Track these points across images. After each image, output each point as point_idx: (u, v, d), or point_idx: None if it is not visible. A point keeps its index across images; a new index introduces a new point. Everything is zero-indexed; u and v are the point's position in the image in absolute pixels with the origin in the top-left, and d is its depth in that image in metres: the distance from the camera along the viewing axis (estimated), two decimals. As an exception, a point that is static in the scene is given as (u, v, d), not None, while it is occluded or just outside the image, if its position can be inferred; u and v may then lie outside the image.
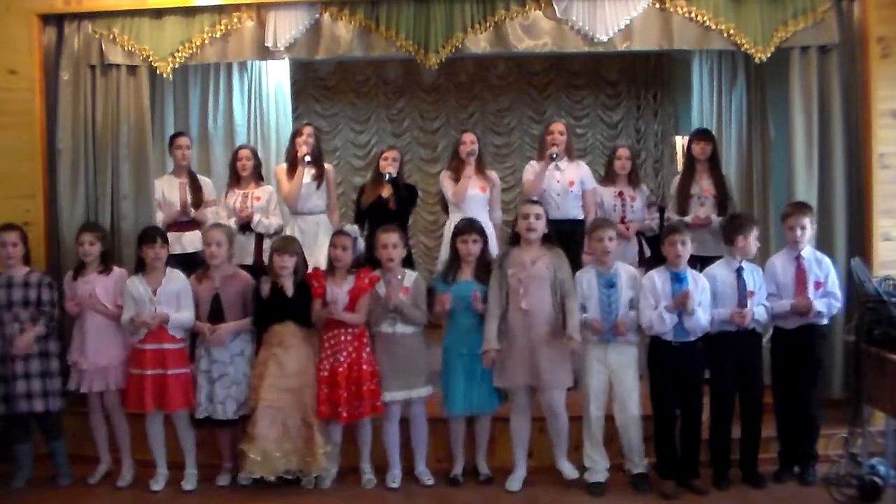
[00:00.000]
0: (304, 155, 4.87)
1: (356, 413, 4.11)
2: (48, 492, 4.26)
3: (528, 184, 4.97)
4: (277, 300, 4.12)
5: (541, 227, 4.10)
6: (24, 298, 4.22)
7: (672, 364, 4.02)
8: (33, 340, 4.18)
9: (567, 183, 4.93)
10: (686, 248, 4.04)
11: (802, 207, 4.24)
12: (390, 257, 4.16)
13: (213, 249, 4.22)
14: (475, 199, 4.94)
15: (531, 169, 5.03)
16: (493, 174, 5.19)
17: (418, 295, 4.17)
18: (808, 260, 4.14)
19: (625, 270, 4.16)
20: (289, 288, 4.12)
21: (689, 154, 5.06)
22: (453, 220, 4.95)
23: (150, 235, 4.25)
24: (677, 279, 4.03)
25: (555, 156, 4.84)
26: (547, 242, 4.15)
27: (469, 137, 5.01)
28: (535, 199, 4.34)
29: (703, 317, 3.99)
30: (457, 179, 4.96)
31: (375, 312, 4.15)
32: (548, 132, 5.01)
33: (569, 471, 4.17)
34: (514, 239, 4.24)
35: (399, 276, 4.18)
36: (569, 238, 4.48)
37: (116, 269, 4.34)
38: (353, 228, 4.34)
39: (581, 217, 4.93)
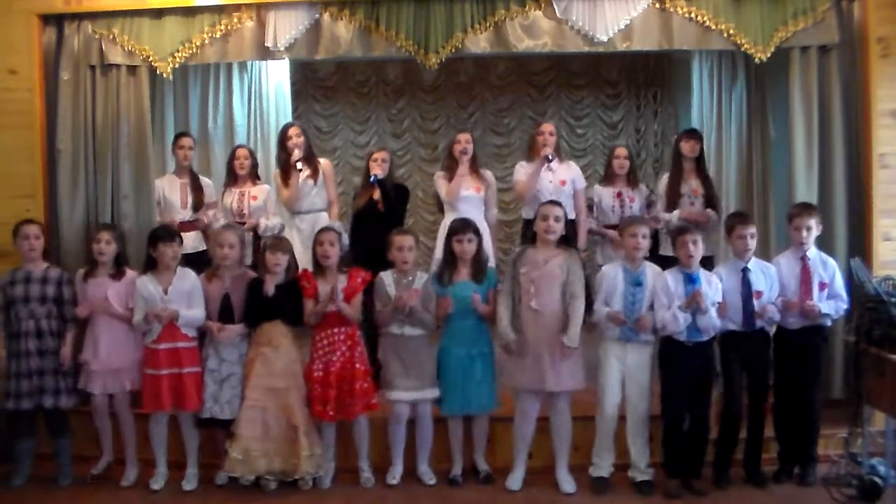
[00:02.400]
0: (297, 160, 4.89)
1: (349, 411, 4.10)
2: (48, 491, 4.26)
3: (522, 185, 4.96)
4: (268, 299, 4.10)
5: (559, 228, 4.09)
6: (42, 295, 4.21)
7: (685, 364, 4.01)
8: (71, 350, 4.23)
9: (559, 182, 4.93)
10: (698, 248, 4.02)
11: (809, 208, 4.23)
12: (405, 259, 4.16)
13: (225, 251, 4.21)
14: (470, 198, 4.93)
15: (522, 170, 5.02)
16: (489, 174, 5.18)
17: (428, 297, 4.16)
18: (813, 261, 4.13)
19: (651, 270, 4.13)
20: (270, 290, 4.09)
21: (677, 153, 5.07)
22: (448, 220, 4.94)
23: (169, 233, 4.25)
24: (690, 280, 4.02)
25: (551, 157, 4.84)
26: (563, 243, 4.15)
27: (463, 137, 5.00)
28: (555, 200, 4.32)
29: (716, 316, 3.99)
30: (451, 179, 4.95)
31: (384, 313, 4.15)
32: (538, 133, 5.01)
33: (567, 485, 4.11)
34: (530, 238, 4.23)
35: (411, 279, 4.18)
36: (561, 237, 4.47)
37: (128, 272, 4.31)
38: (336, 224, 4.33)
39: (572, 217, 4.93)
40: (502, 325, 4.05)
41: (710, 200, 4.94)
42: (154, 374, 4.14)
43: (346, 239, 4.26)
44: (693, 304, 3.93)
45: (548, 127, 5.02)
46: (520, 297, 4.06)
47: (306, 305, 4.13)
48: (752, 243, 4.11)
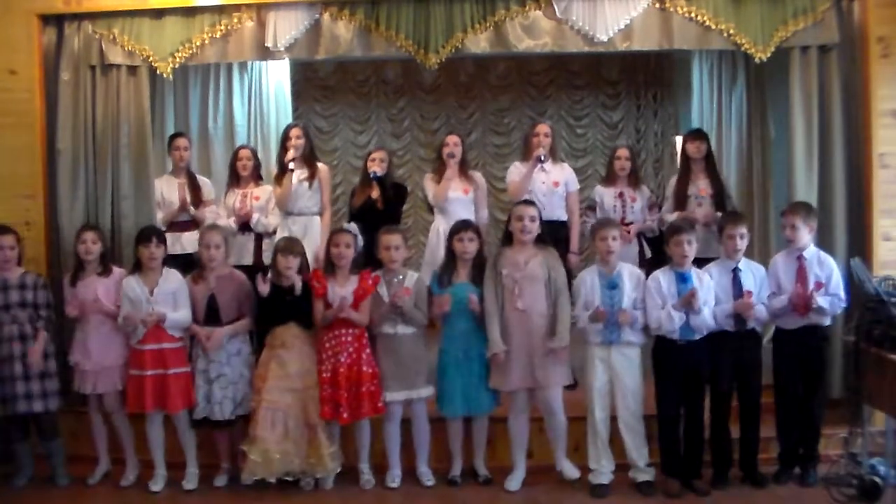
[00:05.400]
0: (290, 160, 4.89)
1: (357, 413, 4.11)
2: (48, 492, 4.26)
3: (514, 185, 4.94)
4: (280, 301, 4.11)
5: (535, 228, 4.10)
6: (21, 300, 4.22)
7: (678, 363, 4.02)
8: (43, 352, 4.21)
9: (552, 184, 4.92)
10: (692, 247, 4.04)
11: (795, 207, 4.22)
12: (392, 259, 4.16)
13: (211, 252, 4.21)
14: (459, 200, 4.92)
15: (516, 170, 5.01)
16: (478, 176, 5.17)
17: (419, 296, 4.16)
18: (809, 259, 4.13)
19: (628, 271, 4.15)
20: (298, 288, 4.10)
21: (683, 154, 5.07)
22: (438, 222, 4.95)
23: (146, 235, 4.25)
24: (682, 279, 4.03)
25: (543, 157, 4.83)
26: (540, 242, 4.15)
27: (452, 139, 4.99)
28: (529, 199, 4.32)
29: (709, 315, 4.00)
30: (439, 181, 4.94)
31: (377, 313, 4.15)
32: (533, 134, 4.99)
33: (569, 470, 4.16)
34: (506, 239, 4.23)
35: (400, 277, 4.19)
36: (553, 239, 4.47)
37: (116, 270, 4.34)
38: (352, 226, 4.34)
39: (565, 218, 4.92)
40: (493, 336, 4.03)
41: (720, 200, 4.91)
42: (138, 374, 4.14)
43: (360, 241, 4.26)
44: (687, 303, 3.94)
45: (543, 128, 5.00)
46: (503, 298, 4.06)
47: (316, 306, 4.13)
48: (742, 244, 4.12)
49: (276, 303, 4.11)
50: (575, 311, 4.10)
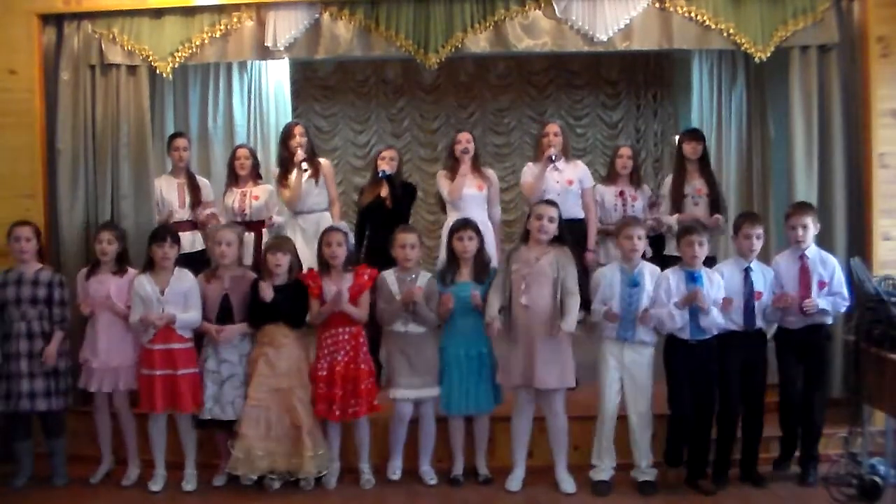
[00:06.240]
0: (302, 160, 4.89)
1: (353, 412, 4.10)
2: (48, 492, 4.26)
3: (528, 186, 4.95)
4: (269, 301, 4.09)
5: (553, 230, 4.09)
6: (33, 296, 4.20)
7: (689, 362, 4.02)
8: (57, 351, 4.20)
9: (566, 182, 4.92)
10: (703, 248, 4.04)
11: (804, 207, 4.24)
12: (407, 257, 4.16)
13: (223, 249, 4.21)
14: (473, 197, 4.92)
15: (529, 171, 5.01)
16: (491, 172, 5.16)
17: (431, 295, 4.16)
18: (812, 259, 4.13)
19: (649, 270, 4.14)
20: (269, 296, 4.06)
21: (679, 154, 5.06)
22: (451, 219, 4.92)
23: (161, 235, 4.24)
24: (692, 278, 4.03)
25: (554, 157, 4.83)
26: (556, 241, 4.14)
27: (464, 136, 4.98)
28: (552, 200, 4.31)
29: (718, 315, 4.00)
30: (453, 178, 4.94)
31: (388, 311, 4.15)
32: (543, 134, 5.00)
33: (567, 485, 4.11)
34: (523, 236, 4.23)
35: (413, 276, 4.19)
36: (571, 237, 4.46)
37: (130, 270, 4.31)
38: (342, 224, 4.34)
39: (581, 216, 4.93)
40: (491, 311, 4.04)
41: (716, 201, 4.91)
42: (149, 374, 4.13)
43: (351, 238, 4.26)
44: (689, 302, 3.93)
45: (552, 127, 5.00)
46: (511, 294, 4.06)
47: (312, 305, 4.13)
48: (758, 244, 4.12)
49: (262, 302, 4.09)
50: (593, 304, 4.11)
